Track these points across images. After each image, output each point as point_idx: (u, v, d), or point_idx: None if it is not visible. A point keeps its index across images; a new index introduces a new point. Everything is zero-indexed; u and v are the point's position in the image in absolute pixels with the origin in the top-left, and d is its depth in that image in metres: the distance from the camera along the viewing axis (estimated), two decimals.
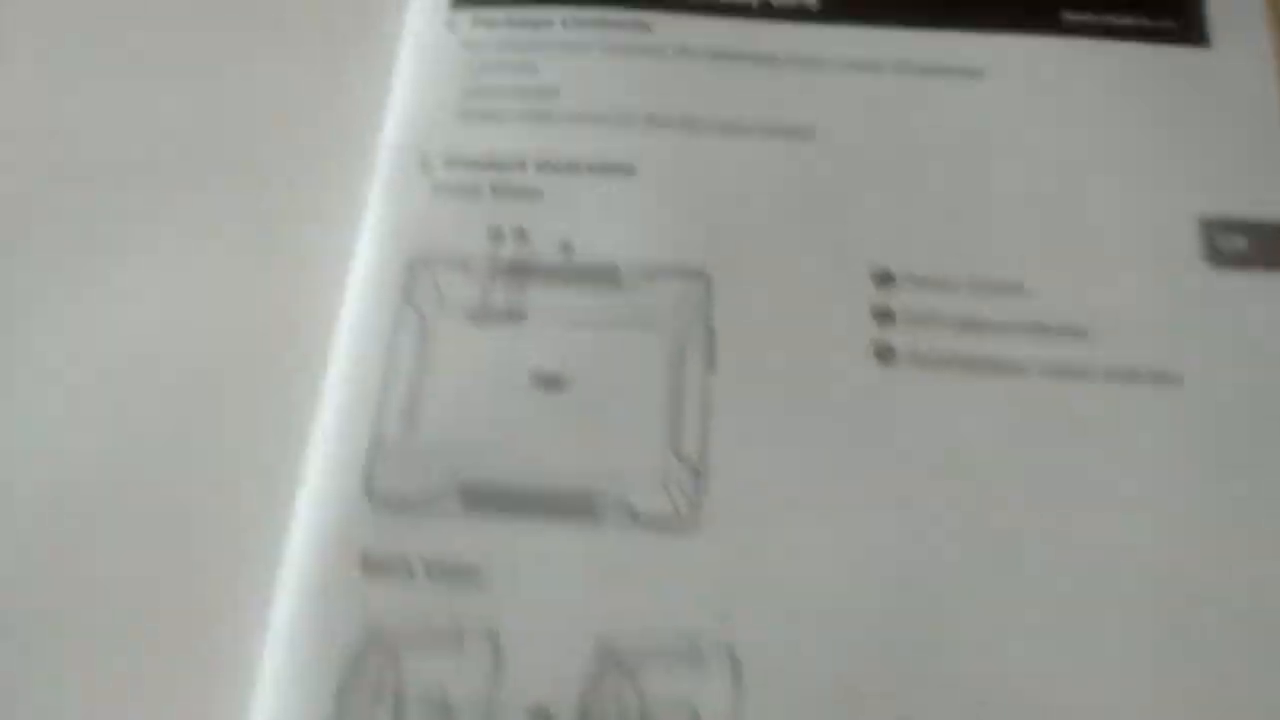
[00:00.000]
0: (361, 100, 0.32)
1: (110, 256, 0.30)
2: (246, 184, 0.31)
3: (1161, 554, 0.26)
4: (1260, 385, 0.28)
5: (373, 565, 0.26)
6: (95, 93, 0.33)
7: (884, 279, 0.29)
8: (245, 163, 0.32)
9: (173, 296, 0.30)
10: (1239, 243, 0.30)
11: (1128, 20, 0.33)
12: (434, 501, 0.27)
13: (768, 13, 0.33)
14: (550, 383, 0.28)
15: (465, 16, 0.33)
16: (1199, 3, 0.33)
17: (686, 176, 0.30)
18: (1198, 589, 0.26)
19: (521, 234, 0.29)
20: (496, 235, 0.29)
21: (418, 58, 0.32)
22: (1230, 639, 0.25)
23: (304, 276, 0.30)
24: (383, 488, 0.27)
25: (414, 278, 0.29)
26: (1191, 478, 0.27)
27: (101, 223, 0.31)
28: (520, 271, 0.29)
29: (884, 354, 0.28)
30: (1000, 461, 0.27)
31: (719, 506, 0.27)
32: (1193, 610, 0.26)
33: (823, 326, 0.29)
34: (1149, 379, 0.28)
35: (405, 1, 0.33)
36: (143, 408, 0.28)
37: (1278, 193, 0.30)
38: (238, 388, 0.29)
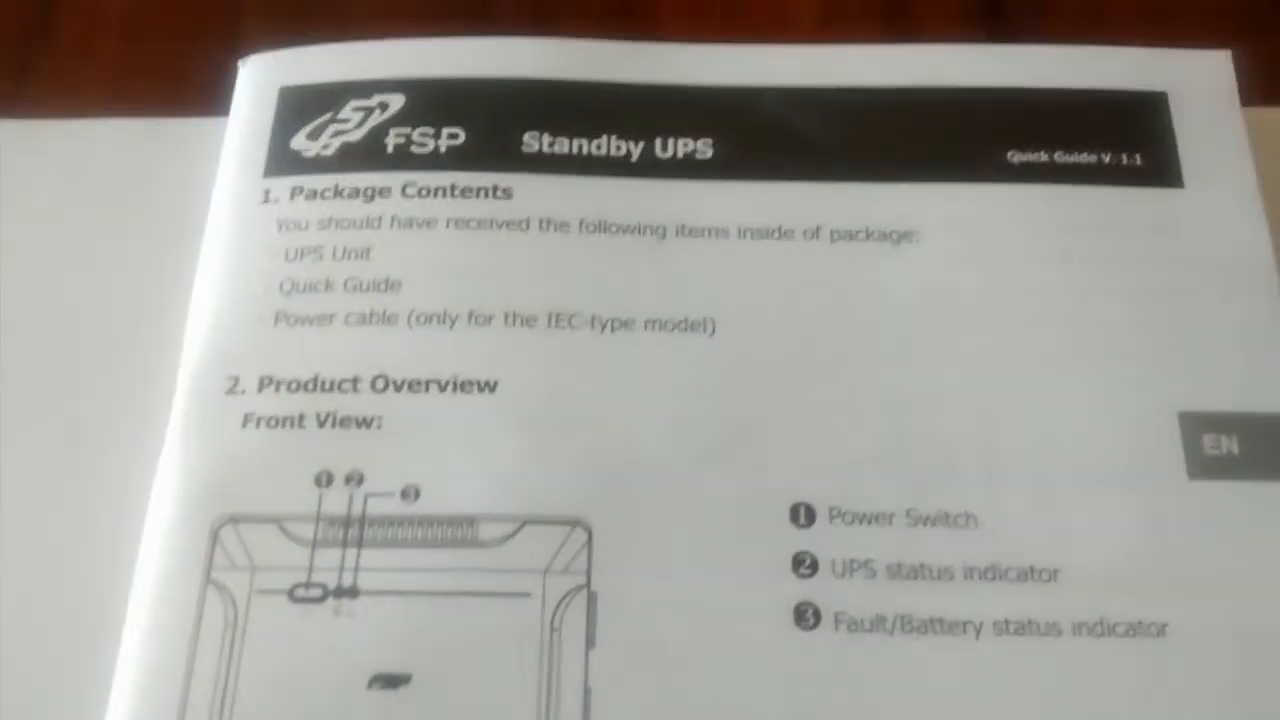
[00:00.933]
0: (161, 303, 0.26)
1: None
2: (22, 420, 0.25)
3: None
4: (1259, 635, 0.23)
5: None
6: None
7: (804, 516, 0.24)
8: (21, 388, 0.26)
9: None
10: (1228, 444, 0.25)
11: (1084, 157, 0.27)
12: None
13: (652, 168, 0.27)
14: (391, 681, 0.22)
15: (284, 185, 0.27)
16: (1168, 134, 0.27)
17: (559, 392, 0.25)
18: None
19: (355, 478, 0.24)
20: (324, 480, 0.24)
21: (225, 243, 0.26)
22: None
23: (84, 551, 0.24)
24: None
25: (220, 547, 0.23)
26: None
27: None
28: (352, 529, 0.23)
29: (805, 616, 0.23)
30: None
31: None
32: None
33: (730, 585, 0.23)
34: (1125, 631, 0.23)
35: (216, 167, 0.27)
36: None
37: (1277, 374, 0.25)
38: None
